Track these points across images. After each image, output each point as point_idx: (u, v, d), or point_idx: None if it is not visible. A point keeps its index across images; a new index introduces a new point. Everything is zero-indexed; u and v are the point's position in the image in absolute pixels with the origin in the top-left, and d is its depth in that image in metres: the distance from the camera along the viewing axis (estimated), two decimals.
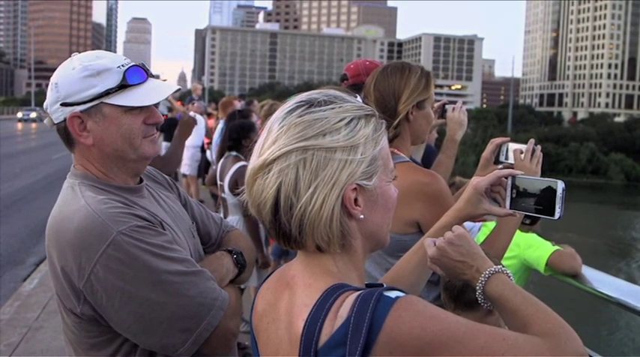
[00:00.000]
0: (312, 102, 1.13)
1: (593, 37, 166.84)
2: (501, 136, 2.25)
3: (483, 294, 1.30)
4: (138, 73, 1.64)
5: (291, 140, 1.08)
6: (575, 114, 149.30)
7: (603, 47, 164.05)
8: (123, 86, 1.61)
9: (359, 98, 1.10)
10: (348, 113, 1.11)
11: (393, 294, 1.04)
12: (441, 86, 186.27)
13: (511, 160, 2.07)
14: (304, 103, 1.13)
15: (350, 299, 1.04)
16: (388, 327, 0.99)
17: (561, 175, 56.90)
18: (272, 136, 1.11)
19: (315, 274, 1.14)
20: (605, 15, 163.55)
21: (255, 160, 1.13)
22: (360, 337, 0.99)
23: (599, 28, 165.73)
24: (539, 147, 1.97)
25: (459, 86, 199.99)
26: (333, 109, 1.11)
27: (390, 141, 2.23)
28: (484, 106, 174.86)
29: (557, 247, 3.34)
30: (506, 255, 3.40)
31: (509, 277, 1.31)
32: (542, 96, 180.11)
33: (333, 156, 1.08)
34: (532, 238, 3.52)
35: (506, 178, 1.57)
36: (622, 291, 2.59)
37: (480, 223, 3.22)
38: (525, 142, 2.00)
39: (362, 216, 1.13)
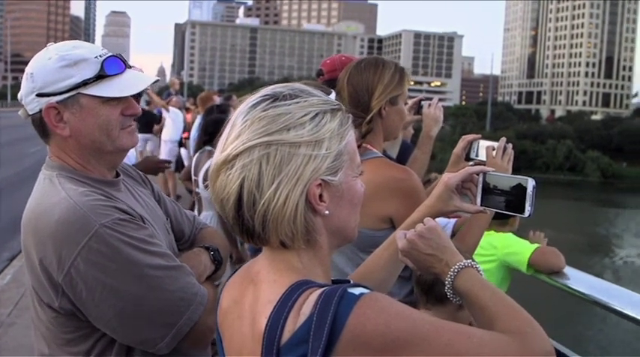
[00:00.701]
0: (276, 96, 1.11)
1: (572, 36, 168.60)
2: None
3: (452, 288, 1.29)
4: (116, 64, 1.61)
5: (255, 135, 1.07)
6: (553, 112, 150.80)
7: (581, 46, 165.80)
8: (100, 77, 1.58)
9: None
10: (313, 108, 1.10)
11: (357, 290, 1.02)
12: (420, 83, 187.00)
13: (481, 157, 2.08)
14: (269, 97, 1.11)
15: (313, 296, 1.03)
16: (352, 324, 0.98)
17: (539, 172, 57.58)
18: (235, 131, 1.09)
19: (279, 270, 1.12)
20: (583, 14, 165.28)
21: (218, 155, 1.11)
22: (323, 334, 0.98)
23: (578, 27, 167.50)
24: (510, 144, 1.98)
25: (438, 83, 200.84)
26: (297, 103, 1.10)
27: (363, 136, 2.23)
28: (463, 103, 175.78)
29: (536, 245, 3.29)
30: (484, 258, 3.43)
31: (479, 271, 1.30)
32: (520, 93, 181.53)
33: (297, 151, 1.06)
34: (509, 238, 3.47)
35: (478, 174, 1.57)
36: (595, 288, 2.58)
37: (455, 220, 3.23)
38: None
39: (327, 212, 1.11)
